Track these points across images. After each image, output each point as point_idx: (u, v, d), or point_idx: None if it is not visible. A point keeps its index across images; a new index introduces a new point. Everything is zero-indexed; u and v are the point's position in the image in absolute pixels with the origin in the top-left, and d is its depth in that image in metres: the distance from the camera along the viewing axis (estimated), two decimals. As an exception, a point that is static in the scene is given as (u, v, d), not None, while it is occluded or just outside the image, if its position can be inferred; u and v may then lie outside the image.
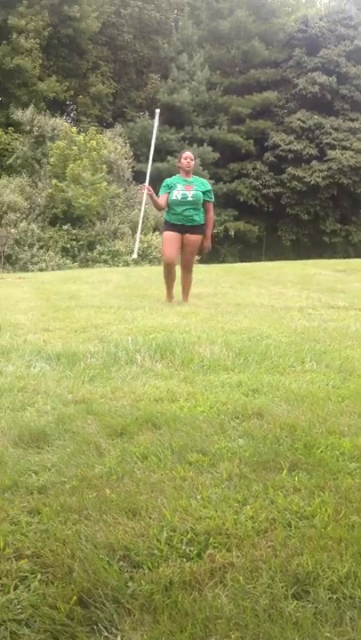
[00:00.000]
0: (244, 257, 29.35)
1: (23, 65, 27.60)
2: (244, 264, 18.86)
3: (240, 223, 32.26)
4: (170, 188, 7.38)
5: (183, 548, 1.89)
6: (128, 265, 19.67)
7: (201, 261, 23.12)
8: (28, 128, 24.14)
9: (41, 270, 18.47)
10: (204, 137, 31.11)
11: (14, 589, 1.68)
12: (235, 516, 2.06)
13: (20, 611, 1.61)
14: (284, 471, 2.39)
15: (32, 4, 28.31)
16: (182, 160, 7.47)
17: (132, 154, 25.26)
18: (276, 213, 34.11)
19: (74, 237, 21.10)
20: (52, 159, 22.69)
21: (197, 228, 7.41)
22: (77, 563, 1.77)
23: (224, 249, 31.88)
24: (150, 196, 7.41)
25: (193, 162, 7.57)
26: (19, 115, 24.35)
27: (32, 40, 27.89)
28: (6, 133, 25.95)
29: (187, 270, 7.62)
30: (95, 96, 31.53)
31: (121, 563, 1.80)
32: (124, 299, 7.91)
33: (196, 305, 7.13)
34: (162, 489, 2.26)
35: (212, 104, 32.42)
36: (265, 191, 32.91)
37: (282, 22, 34.94)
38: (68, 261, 20.15)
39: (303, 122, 32.56)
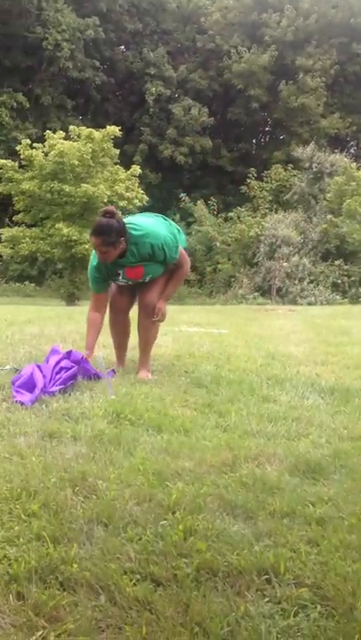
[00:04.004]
0: None
1: (307, 103, 28.35)
2: None
3: None
4: (104, 280, 4.58)
5: None
6: None
7: None
8: (307, 165, 24.62)
9: (310, 304, 18.59)
10: None
11: (294, 616, 1.69)
12: None
13: (299, 639, 1.62)
14: None
15: (320, 43, 28.98)
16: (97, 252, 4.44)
17: None
18: None
19: (345, 273, 20.91)
20: (328, 195, 22.82)
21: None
22: (360, 602, 1.72)
23: None
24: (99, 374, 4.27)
25: (115, 252, 4.32)
26: (299, 152, 24.97)
27: (318, 79, 28.51)
28: (285, 170, 26.73)
29: (145, 314, 4.63)
30: (377, 132, 31.19)
31: None
32: None
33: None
34: None
35: None
36: None
37: None
38: (337, 297, 20.01)
39: None
